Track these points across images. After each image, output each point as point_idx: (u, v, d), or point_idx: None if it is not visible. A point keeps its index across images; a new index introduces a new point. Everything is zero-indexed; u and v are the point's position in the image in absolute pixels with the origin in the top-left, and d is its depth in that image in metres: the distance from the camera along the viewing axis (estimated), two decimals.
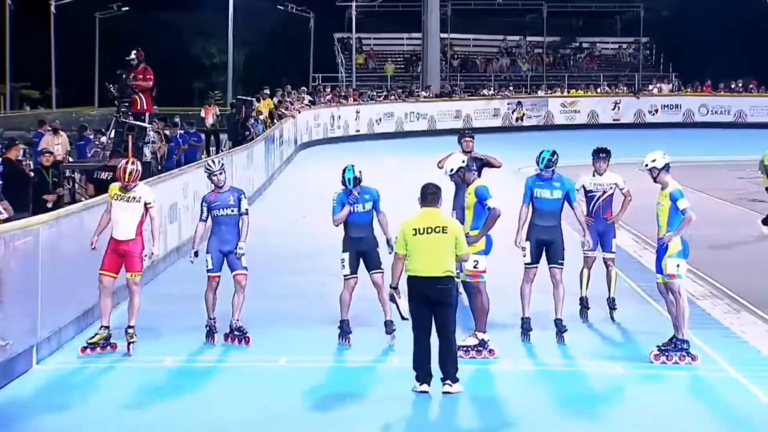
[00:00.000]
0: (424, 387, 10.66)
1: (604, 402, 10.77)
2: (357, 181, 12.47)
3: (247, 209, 12.79)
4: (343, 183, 12.44)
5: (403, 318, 11.00)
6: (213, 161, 13.10)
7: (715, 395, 11.01)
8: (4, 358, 10.90)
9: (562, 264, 12.81)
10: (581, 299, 13.77)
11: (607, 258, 13.82)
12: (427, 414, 10.25)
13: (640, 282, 15.62)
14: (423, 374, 10.68)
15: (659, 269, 11.98)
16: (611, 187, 13.78)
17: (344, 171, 12.52)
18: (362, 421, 10.12)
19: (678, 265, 11.78)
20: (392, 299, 10.96)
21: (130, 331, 12.28)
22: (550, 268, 12.82)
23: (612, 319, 13.72)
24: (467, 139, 15.09)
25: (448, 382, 10.65)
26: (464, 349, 11.94)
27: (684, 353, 11.79)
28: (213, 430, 9.88)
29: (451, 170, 12.49)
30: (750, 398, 10.82)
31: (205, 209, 12.77)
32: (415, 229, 10.58)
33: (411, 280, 10.60)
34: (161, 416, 10.21)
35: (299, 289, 15.89)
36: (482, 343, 12.03)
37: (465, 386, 11.02)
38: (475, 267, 11.93)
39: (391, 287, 10.87)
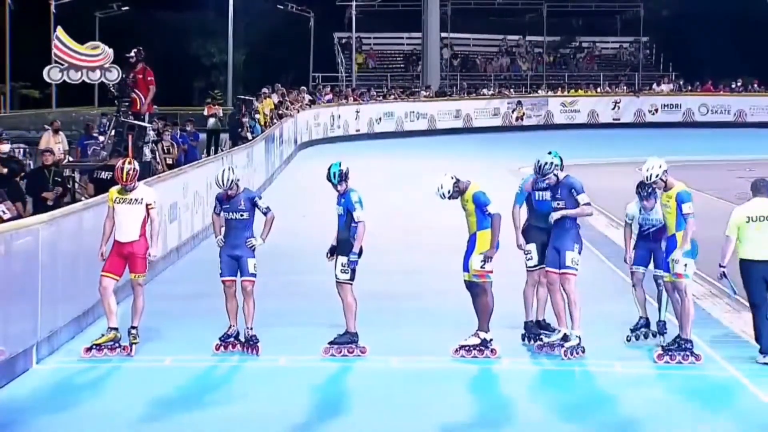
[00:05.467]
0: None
1: (605, 402, 10.76)
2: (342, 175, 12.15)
3: (267, 207, 12.39)
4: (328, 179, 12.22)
5: (734, 293, 12.01)
6: (222, 180, 12.32)
7: (716, 394, 11.00)
8: (2, 359, 10.88)
9: None
10: (658, 323, 12.68)
11: (657, 276, 12.59)
12: (428, 413, 10.23)
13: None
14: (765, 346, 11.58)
15: (666, 268, 11.98)
16: (661, 222, 12.31)
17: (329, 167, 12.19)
18: (363, 420, 10.12)
19: (686, 265, 11.78)
20: (723, 276, 11.72)
21: (133, 332, 12.26)
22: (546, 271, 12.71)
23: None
24: (549, 179, 12.23)
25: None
26: (466, 348, 11.98)
27: (687, 353, 11.78)
28: (212, 430, 9.88)
29: (448, 192, 12.01)
30: (750, 398, 10.83)
31: (217, 204, 12.55)
32: (749, 217, 11.55)
33: (744, 263, 11.56)
34: (161, 416, 10.20)
35: (299, 288, 15.88)
36: (484, 343, 12.02)
37: (466, 386, 11.03)
38: (482, 266, 11.91)
39: (720, 266, 11.65)
